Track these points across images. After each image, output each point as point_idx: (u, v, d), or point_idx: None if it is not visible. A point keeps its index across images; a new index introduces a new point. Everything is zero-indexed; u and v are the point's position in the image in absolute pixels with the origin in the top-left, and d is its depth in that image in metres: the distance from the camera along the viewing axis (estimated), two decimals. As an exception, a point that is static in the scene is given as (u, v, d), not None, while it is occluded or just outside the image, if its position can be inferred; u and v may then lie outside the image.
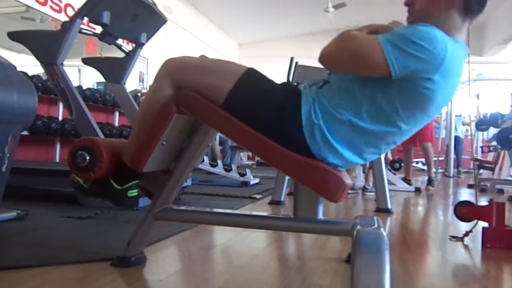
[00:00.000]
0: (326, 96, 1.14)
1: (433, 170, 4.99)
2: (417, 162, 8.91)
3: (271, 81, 1.23)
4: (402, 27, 1.13)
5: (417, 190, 4.52)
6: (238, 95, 1.17)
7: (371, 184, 3.97)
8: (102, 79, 2.99)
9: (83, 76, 6.11)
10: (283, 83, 1.27)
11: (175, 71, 1.24)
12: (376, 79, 1.09)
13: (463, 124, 8.58)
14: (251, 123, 1.15)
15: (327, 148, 1.13)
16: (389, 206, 2.93)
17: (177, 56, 1.28)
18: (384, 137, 1.15)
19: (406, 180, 4.73)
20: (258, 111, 1.15)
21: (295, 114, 1.13)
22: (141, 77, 7.51)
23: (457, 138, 7.82)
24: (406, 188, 4.57)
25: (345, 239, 1.51)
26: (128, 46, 2.92)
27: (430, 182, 4.83)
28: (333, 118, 1.12)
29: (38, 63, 2.39)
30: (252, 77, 1.20)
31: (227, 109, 1.17)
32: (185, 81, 1.21)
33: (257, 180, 4.52)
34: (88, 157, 1.28)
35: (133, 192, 1.33)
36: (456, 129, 7.86)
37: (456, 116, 7.91)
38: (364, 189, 4.11)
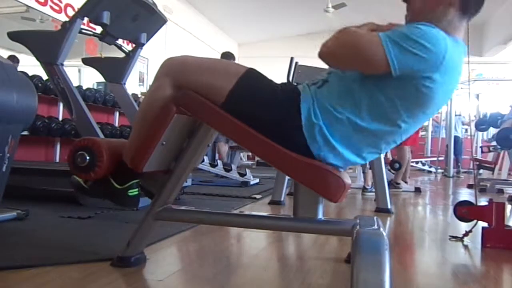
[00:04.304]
0: (325, 95, 1.14)
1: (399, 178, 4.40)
2: (416, 162, 8.92)
3: (271, 81, 1.22)
4: (402, 26, 1.13)
5: (417, 190, 4.52)
6: (239, 95, 1.16)
7: (370, 184, 3.97)
8: (102, 79, 2.99)
9: (83, 76, 6.11)
10: (283, 83, 1.26)
11: (176, 71, 1.23)
12: (376, 78, 1.09)
13: (463, 123, 8.57)
14: (251, 123, 1.15)
15: (327, 148, 1.13)
16: (389, 206, 2.93)
17: (177, 56, 1.27)
18: (384, 136, 1.15)
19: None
20: (259, 111, 1.15)
21: (295, 115, 1.13)
22: (141, 77, 7.51)
23: (456, 138, 7.81)
24: (406, 188, 4.57)
25: (344, 239, 1.51)
26: (128, 46, 2.92)
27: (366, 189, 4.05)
28: (332, 118, 1.12)
29: (38, 63, 2.39)
30: (252, 77, 1.20)
31: (227, 109, 1.17)
32: (186, 81, 1.21)
33: (257, 180, 4.52)
34: (88, 157, 1.28)
35: (134, 192, 1.33)
36: (455, 129, 7.85)
37: (455, 115, 7.90)
38: (364, 189, 4.11)
